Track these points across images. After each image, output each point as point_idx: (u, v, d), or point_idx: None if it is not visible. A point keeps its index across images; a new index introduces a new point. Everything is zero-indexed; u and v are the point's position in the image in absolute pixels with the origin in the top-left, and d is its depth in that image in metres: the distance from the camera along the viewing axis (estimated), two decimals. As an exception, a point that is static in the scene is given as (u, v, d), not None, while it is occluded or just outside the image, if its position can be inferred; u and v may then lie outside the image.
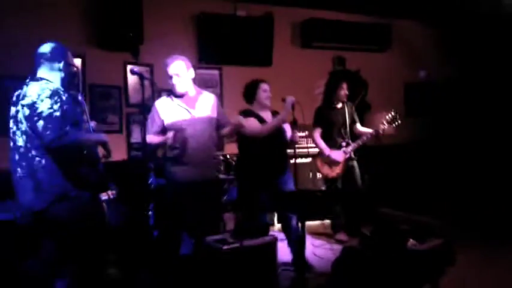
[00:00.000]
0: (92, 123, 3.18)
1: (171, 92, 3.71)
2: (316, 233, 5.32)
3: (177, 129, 3.54)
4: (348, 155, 4.99)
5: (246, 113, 4.04)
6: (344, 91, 5.08)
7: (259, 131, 3.97)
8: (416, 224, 3.70)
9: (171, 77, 3.62)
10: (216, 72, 6.08)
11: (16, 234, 3.55)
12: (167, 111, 3.64)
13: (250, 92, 4.16)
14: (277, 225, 5.19)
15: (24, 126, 2.81)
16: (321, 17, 6.51)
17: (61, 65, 2.98)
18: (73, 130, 2.85)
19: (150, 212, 3.87)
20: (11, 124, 2.90)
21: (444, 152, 6.94)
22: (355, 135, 5.12)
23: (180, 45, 5.57)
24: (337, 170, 4.97)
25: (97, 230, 3.04)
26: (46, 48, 2.97)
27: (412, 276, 3.12)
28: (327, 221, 5.49)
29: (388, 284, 3.00)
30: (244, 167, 4.13)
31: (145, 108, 3.91)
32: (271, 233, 3.53)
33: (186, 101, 3.67)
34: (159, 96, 4.45)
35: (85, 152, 2.95)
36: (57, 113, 2.75)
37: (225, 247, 3.19)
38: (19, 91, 2.90)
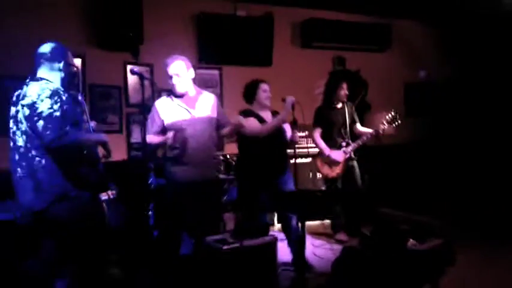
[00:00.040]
0: (92, 123, 3.18)
1: (171, 92, 3.71)
2: (316, 233, 5.32)
3: (177, 129, 3.54)
4: (348, 155, 4.99)
5: (246, 113, 4.04)
6: (344, 91, 5.08)
7: (259, 131, 3.97)
8: (416, 224, 3.69)
9: (171, 77, 3.62)
10: (216, 72, 6.08)
11: (16, 234, 3.55)
12: (167, 111, 3.63)
13: (250, 92, 4.16)
14: (277, 225, 5.19)
15: (24, 126, 2.81)
16: (321, 17, 6.51)
17: (61, 65, 2.98)
18: (73, 130, 2.85)
19: (150, 212, 3.87)
20: (11, 124, 2.90)
21: (444, 152, 6.94)
22: (355, 135, 5.12)
23: (180, 45, 5.57)
24: (337, 170, 4.97)
25: (97, 230, 3.04)
26: (46, 48, 2.97)
27: (412, 276, 3.12)
28: (327, 221, 5.49)
29: (388, 284, 3.00)
30: (244, 167, 4.13)
31: (145, 108, 3.91)
32: (271, 233, 3.53)
33: (186, 101, 3.66)
34: (159, 96, 4.45)
35: (85, 152, 2.95)
36: (57, 113, 2.75)
37: (225, 247, 3.19)
38: (19, 91, 2.90)
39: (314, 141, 5.11)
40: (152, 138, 3.62)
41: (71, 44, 3.27)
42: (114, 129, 5.37)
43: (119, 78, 5.47)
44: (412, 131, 6.78)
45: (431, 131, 7.09)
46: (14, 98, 2.91)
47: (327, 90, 5.20)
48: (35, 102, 2.75)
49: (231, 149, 4.88)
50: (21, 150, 2.83)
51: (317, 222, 5.60)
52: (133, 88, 5.49)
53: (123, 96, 5.51)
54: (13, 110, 2.89)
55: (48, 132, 2.71)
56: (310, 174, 5.76)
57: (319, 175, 5.47)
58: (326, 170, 5.04)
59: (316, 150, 5.19)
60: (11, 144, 2.90)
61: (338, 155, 4.95)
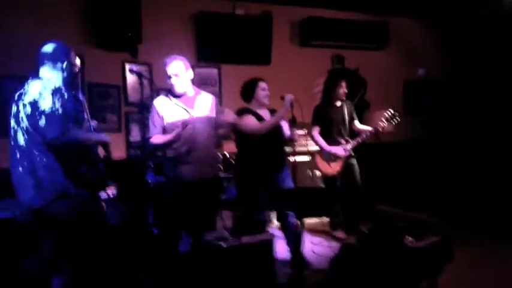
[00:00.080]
0: (93, 123, 3.19)
1: (169, 92, 3.72)
2: (315, 231, 5.33)
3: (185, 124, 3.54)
4: (347, 153, 5.00)
5: (244, 112, 4.05)
6: (343, 89, 5.09)
7: (257, 128, 3.98)
8: (414, 222, 3.72)
9: (169, 77, 3.63)
10: (214, 70, 6.08)
11: (15, 233, 3.57)
12: (166, 110, 3.65)
13: (248, 91, 4.16)
14: (276, 223, 5.21)
15: (25, 124, 2.83)
16: (320, 15, 6.52)
17: (64, 64, 2.99)
18: (75, 128, 2.87)
19: (149, 210, 3.88)
20: (12, 122, 2.91)
21: (443, 150, 6.95)
22: (354, 133, 5.13)
23: (179, 44, 5.59)
24: (336, 168, 4.98)
25: (96, 228, 3.05)
26: (49, 47, 2.99)
27: (410, 273, 3.14)
28: (325, 219, 5.50)
29: (385, 281, 3.01)
30: (243, 165, 4.14)
31: (144, 107, 3.93)
32: (270, 230, 3.55)
33: (185, 101, 3.68)
34: (158, 95, 4.47)
35: (86, 150, 2.98)
36: (59, 111, 2.77)
37: (223, 244, 3.21)
38: (21, 89, 2.92)
39: (313, 139, 5.13)
40: (158, 139, 3.63)
41: (70, 44, 3.25)
42: (113, 128, 5.37)
43: (118, 77, 5.48)
44: (411, 129, 6.79)
45: (430, 129, 7.10)
46: (16, 96, 2.92)
47: (325, 89, 5.21)
48: (37, 100, 2.77)
49: (230, 147, 4.89)
50: (22, 148, 2.85)
51: (315, 220, 5.61)
52: (132, 87, 5.49)
53: (121, 95, 5.52)
54: (14, 108, 2.91)
55: (50, 130, 2.73)
56: (309, 173, 5.77)
57: (318, 173, 5.48)
58: (325, 167, 5.05)
59: (316, 148, 5.20)
60: (12, 142, 2.91)
61: (339, 150, 4.96)
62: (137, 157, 5.09)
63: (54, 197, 2.83)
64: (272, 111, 4.18)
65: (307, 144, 5.53)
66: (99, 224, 3.09)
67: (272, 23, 6.19)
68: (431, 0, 6.38)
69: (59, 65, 2.98)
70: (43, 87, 2.81)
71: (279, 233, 4.18)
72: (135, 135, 5.46)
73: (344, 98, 5.14)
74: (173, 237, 3.66)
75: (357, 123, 5.19)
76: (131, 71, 3.51)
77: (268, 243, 3.40)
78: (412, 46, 7.22)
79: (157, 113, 3.65)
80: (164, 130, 3.63)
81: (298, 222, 3.38)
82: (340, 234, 5.07)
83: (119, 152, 5.16)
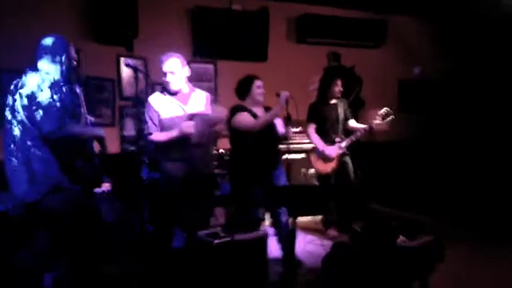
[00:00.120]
0: (90, 118, 3.17)
1: (164, 89, 3.71)
2: (307, 229, 5.33)
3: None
4: (341, 151, 5.01)
5: (239, 109, 4.04)
6: (338, 87, 5.09)
7: (252, 125, 3.97)
8: (407, 221, 3.73)
9: (165, 74, 3.62)
10: (210, 66, 6.06)
11: (8, 226, 3.55)
12: (161, 107, 3.64)
13: (244, 88, 4.15)
14: (270, 221, 5.21)
15: (21, 115, 2.81)
16: (317, 12, 6.50)
17: (62, 58, 2.98)
18: (72, 122, 2.86)
19: (144, 207, 3.87)
20: (7, 113, 2.89)
21: (437, 149, 6.97)
22: (348, 131, 5.14)
23: (175, 40, 5.57)
24: (331, 165, 4.98)
25: (90, 223, 3.04)
26: (48, 41, 2.99)
27: (402, 272, 3.15)
28: (318, 217, 5.51)
29: (378, 280, 3.02)
30: (237, 162, 4.14)
31: (138, 101, 3.91)
32: (263, 228, 3.55)
33: (179, 98, 3.68)
34: (153, 89, 4.45)
35: (81, 145, 2.97)
36: (57, 104, 2.76)
37: (216, 241, 3.21)
38: (17, 80, 2.91)
39: (308, 137, 5.13)
40: (160, 136, 3.61)
41: (66, 37, 3.25)
42: (107, 122, 5.34)
43: (113, 71, 5.46)
44: (406, 128, 6.79)
45: (424, 127, 7.11)
46: (12, 87, 2.91)
47: (321, 86, 5.21)
48: (34, 92, 2.76)
49: (225, 144, 4.88)
50: (17, 140, 2.83)
51: (308, 218, 5.62)
52: (127, 81, 5.47)
53: (116, 89, 5.49)
54: (10, 99, 2.89)
55: (46, 124, 2.72)
56: (303, 170, 5.77)
57: (312, 171, 5.48)
58: (320, 165, 5.05)
59: (310, 146, 5.20)
60: (6, 134, 2.89)
61: (332, 151, 4.96)
62: (131, 152, 5.06)
63: (48, 190, 2.83)
64: (267, 109, 4.17)
65: (301, 142, 5.52)
66: (93, 220, 3.08)
67: (269, 19, 6.16)
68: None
69: (57, 58, 2.97)
70: (41, 80, 2.81)
71: (272, 231, 4.19)
72: (129, 129, 5.44)
73: (339, 96, 5.14)
74: (166, 234, 3.65)
75: (352, 121, 5.19)
76: (127, 65, 3.48)
77: (262, 241, 3.41)
78: (409, 45, 7.22)
79: (154, 110, 3.64)
80: (161, 126, 3.62)
81: (292, 220, 3.38)
82: (333, 232, 5.08)
83: (112, 147, 5.11)
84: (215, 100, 5.32)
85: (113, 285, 3.51)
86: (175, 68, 3.60)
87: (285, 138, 4.07)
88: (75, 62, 3.12)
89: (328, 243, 4.39)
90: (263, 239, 3.43)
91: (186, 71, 3.68)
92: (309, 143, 5.22)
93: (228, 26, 5.92)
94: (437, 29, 7.30)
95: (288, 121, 3.98)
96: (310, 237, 5.03)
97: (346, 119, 5.18)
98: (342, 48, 6.79)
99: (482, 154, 6.85)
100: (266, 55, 6.18)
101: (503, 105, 6.93)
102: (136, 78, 3.75)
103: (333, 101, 5.13)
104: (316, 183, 5.24)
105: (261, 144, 4.03)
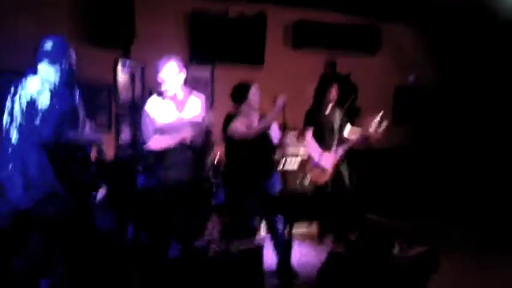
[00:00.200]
0: (89, 124, 3.16)
1: (160, 93, 3.71)
2: (303, 239, 5.31)
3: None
4: (337, 158, 5.01)
5: (234, 117, 4.03)
6: (333, 93, 5.09)
7: (247, 133, 3.97)
8: (402, 231, 3.74)
9: (161, 80, 3.61)
10: (207, 71, 6.05)
11: (1, 231, 3.52)
12: (157, 112, 3.63)
13: (240, 94, 4.14)
14: (264, 230, 5.20)
15: (19, 120, 2.80)
16: (313, 19, 6.52)
17: (62, 62, 2.96)
18: (70, 129, 2.85)
19: (138, 215, 3.86)
20: (5, 117, 2.87)
21: (432, 157, 6.98)
22: (344, 138, 5.14)
23: (172, 44, 5.56)
24: (327, 174, 4.98)
25: (84, 231, 3.03)
26: (48, 45, 2.97)
27: (397, 283, 3.16)
28: (314, 227, 5.50)
29: (372, 291, 3.03)
30: (232, 170, 4.13)
31: (135, 106, 3.89)
32: (258, 237, 3.55)
33: (176, 104, 3.67)
34: (150, 94, 4.44)
35: (79, 152, 2.95)
36: (56, 110, 2.75)
37: (212, 251, 3.20)
38: (17, 83, 2.89)
39: (306, 144, 5.12)
40: (156, 144, 3.59)
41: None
42: (103, 128, 5.30)
43: (109, 76, 5.43)
44: (401, 136, 6.81)
45: (419, 135, 7.13)
46: (12, 91, 2.88)
47: (316, 93, 5.21)
48: (34, 97, 2.75)
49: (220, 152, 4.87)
50: (14, 145, 2.82)
51: (303, 228, 5.61)
52: (124, 86, 5.44)
53: (112, 95, 5.46)
54: (9, 103, 2.87)
55: (45, 129, 2.71)
56: (299, 179, 5.75)
57: (307, 179, 5.46)
58: (316, 174, 5.05)
59: (306, 154, 5.19)
60: (3, 138, 2.87)
61: (327, 162, 4.94)
62: (127, 159, 5.03)
63: (43, 196, 2.80)
64: (262, 117, 4.17)
65: (297, 150, 5.52)
66: (87, 227, 3.07)
67: (266, 25, 6.17)
68: (424, 7, 6.40)
69: (57, 62, 2.95)
70: (41, 84, 2.80)
71: (267, 241, 4.17)
72: (126, 135, 5.42)
73: (334, 103, 5.15)
74: (162, 243, 3.64)
75: (347, 130, 5.20)
76: (124, 70, 3.47)
77: (257, 251, 3.41)
78: (404, 52, 7.25)
79: (149, 117, 3.63)
80: (156, 132, 3.62)
81: (288, 230, 3.38)
82: (328, 242, 5.07)
83: (107, 153, 5.11)
84: (211, 105, 5.31)
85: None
86: (171, 74, 3.58)
87: (280, 147, 4.07)
88: (74, 66, 3.10)
89: (323, 254, 4.38)
90: (259, 249, 3.43)
91: (181, 76, 3.66)
92: (304, 152, 5.21)
93: (225, 31, 5.93)
94: (431, 37, 7.33)
95: (284, 128, 3.97)
96: (305, 247, 5.02)
97: (342, 127, 5.18)
98: (338, 55, 6.80)
99: (478, 162, 6.87)
100: (263, 60, 6.17)
101: (498, 111, 6.96)
102: (132, 83, 3.73)
103: (329, 108, 5.13)
104: (312, 191, 5.22)
105: (256, 152, 4.03)
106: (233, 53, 6.01)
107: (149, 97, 3.82)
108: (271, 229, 4.12)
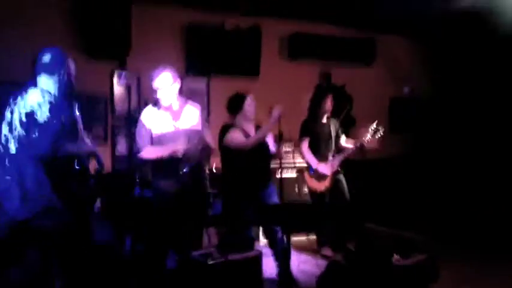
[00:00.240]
0: (88, 137, 3.14)
1: (156, 103, 3.71)
2: (302, 248, 5.29)
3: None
4: (334, 168, 5.01)
5: (230, 128, 4.04)
6: (329, 105, 5.11)
7: (244, 143, 3.97)
8: (401, 240, 3.73)
9: (156, 90, 3.62)
10: (203, 82, 6.07)
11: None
12: (153, 122, 3.64)
13: (236, 104, 4.14)
14: (262, 240, 5.18)
15: (18, 132, 2.78)
16: (308, 31, 6.57)
17: (61, 73, 2.96)
18: (69, 142, 2.83)
19: (135, 226, 3.83)
20: (4, 128, 2.85)
21: (428, 167, 7.00)
22: (340, 149, 5.15)
23: (168, 56, 5.55)
24: (325, 184, 4.98)
25: (82, 244, 3.00)
26: (46, 57, 2.96)
27: (396, 291, 3.14)
28: (312, 236, 5.48)
29: (372, 300, 3.01)
30: (228, 180, 4.11)
31: (131, 118, 3.89)
32: (256, 247, 3.53)
33: (171, 114, 3.68)
34: (146, 106, 4.44)
35: (77, 166, 2.94)
36: (55, 124, 2.74)
37: (210, 261, 3.18)
38: (17, 95, 2.87)
39: (302, 154, 5.13)
40: (149, 154, 3.59)
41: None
42: (99, 140, 5.28)
43: (105, 88, 5.43)
44: (396, 146, 6.84)
45: (415, 145, 7.16)
46: (11, 103, 2.87)
47: (312, 104, 5.23)
48: (33, 110, 2.74)
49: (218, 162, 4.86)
50: (13, 156, 2.80)
51: (302, 238, 5.59)
52: (120, 98, 5.44)
53: (108, 106, 5.46)
54: (8, 115, 2.85)
55: (43, 143, 2.70)
56: (297, 189, 5.76)
57: (305, 189, 5.46)
58: (314, 183, 5.04)
59: (303, 164, 5.20)
60: (2, 149, 2.85)
61: (325, 169, 4.97)
62: (124, 171, 5.01)
63: (40, 210, 2.78)
64: (257, 127, 4.17)
65: (294, 161, 5.52)
66: (85, 240, 3.04)
67: (261, 37, 6.21)
68: (418, 18, 6.46)
69: (56, 74, 2.94)
70: (41, 97, 2.79)
71: (266, 251, 4.15)
72: (122, 147, 5.40)
73: (330, 114, 5.17)
74: (159, 254, 3.61)
75: (343, 139, 5.22)
76: (119, 82, 3.47)
77: (256, 261, 3.39)
78: (398, 63, 7.31)
79: (145, 127, 3.63)
80: (153, 142, 3.61)
81: (286, 240, 3.36)
82: (327, 251, 5.05)
83: (104, 165, 5.10)
84: (207, 117, 5.31)
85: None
86: (166, 84, 3.60)
87: (276, 156, 4.07)
88: (73, 78, 3.09)
89: (322, 263, 4.36)
90: (257, 258, 3.41)
91: (176, 86, 3.67)
92: (302, 162, 5.22)
93: (221, 43, 5.96)
94: (426, 49, 7.40)
95: (280, 139, 3.98)
96: (304, 256, 4.99)
97: (338, 137, 5.20)
98: (333, 66, 6.85)
99: (474, 171, 6.89)
100: (258, 72, 6.21)
101: (493, 122, 7.00)
102: (128, 95, 3.74)
103: (324, 118, 5.15)
104: (310, 201, 5.22)
105: (252, 163, 4.02)
106: (229, 65, 6.05)
107: (145, 107, 3.83)
108: (270, 238, 4.11)
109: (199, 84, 6.03)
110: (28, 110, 2.75)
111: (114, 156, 5.45)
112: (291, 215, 3.83)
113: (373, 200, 6.08)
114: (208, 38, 5.91)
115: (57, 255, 2.88)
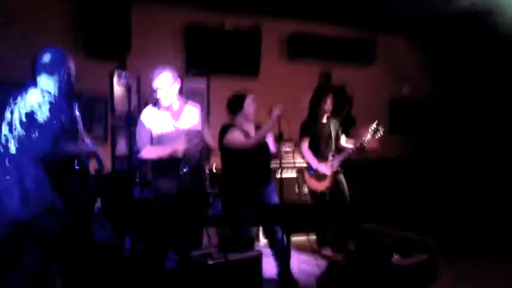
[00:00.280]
0: (88, 137, 3.14)
1: (156, 103, 3.71)
2: (302, 248, 5.29)
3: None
4: (334, 168, 5.01)
5: (230, 127, 4.04)
6: (329, 105, 5.11)
7: (244, 144, 3.97)
8: (401, 240, 3.73)
9: (155, 90, 3.62)
10: (203, 83, 6.07)
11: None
12: (153, 122, 3.64)
13: (236, 104, 4.14)
14: (262, 240, 5.18)
15: (17, 132, 2.78)
16: (308, 31, 6.57)
17: (61, 73, 2.95)
18: (69, 143, 2.83)
19: (135, 227, 3.83)
20: (4, 128, 2.85)
21: (428, 167, 7.00)
22: (340, 149, 5.15)
23: (168, 57, 5.58)
24: (325, 184, 4.98)
25: (82, 244, 3.00)
26: (46, 57, 2.95)
27: (396, 291, 3.14)
28: (312, 236, 5.48)
29: (372, 300, 3.01)
30: (228, 180, 4.12)
31: (131, 118, 3.89)
32: (256, 247, 3.53)
33: (171, 113, 3.68)
34: (146, 106, 4.44)
35: (77, 166, 2.93)
36: (55, 124, 2.74)
37: (210, 261, 3.18)
38: (17, 95, 2.87)
39: (302, 154, 5.13)
40: (149, 153, 3.59)
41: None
42: (99, 140, 5.28)
43: (105, 88, 5.44)
44: (396, 146, 6.84)
45: (415, 145, 7.16)
46: (11, 102, 2.87)
47: (312, 104, 5.23)
48: (34, 110, 2.74)
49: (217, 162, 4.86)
50: (12, 156, 2.80)
51: (303, 238, 5.58)
52: (119, 98, 5.44)
53: (108, 106, 5.47)
54: (8, 114, 2.85)
55: (43, 143, 2.69)
56: (296, 189, 5.75)
57: (305, 189, 5.46)
58: (314, 183, 5.05)
59: (303, 164, 5.20)
60: (1, 149, 2.85)
61: (325, 169, 4.97)
62: (124, 171, 5.01)
63: (41, 210, 2.78)
64: (257, 127, 4.17)
65: (294, 161, 5.51)
66: (85, 240, 3.04)
67: (261, 37, 6.22)
68: (418, 19, 6.47)
69: (55, 74, 2.93)
70: (41, 98, 2.79)
71: (266, 251, 4.15)
72: (122, 147, 5.40)
73: (329, 114, 5.17)
74: (160, 254, 3.61)
75: (343, 139, 5.22)
76: (119, 82, 3.47)
77: (256, 261, 3.38)
78: (398, 64, 7.31)
79: (145, 127, 3.63)
80: (153, 142, 3.61)
81: (286, 240, 3.36)
82: (327, 252, 5.05)
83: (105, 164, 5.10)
84: (207, 117, 5.31)
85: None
86: (165, 84, 3.60)
87: (276, 156, 4.07)
88: (73, 78, 3.09)
89: (322, 263, 4.36)
90: (257, 258, 3.41)
91: (176, 86, 3.67)
92: (302, 162, 5.21)
93: (221, 43, 5.97)
94: (426, 49, 7.40)
95: (280, 139, 3.97)
96: (304, 256, 4.99)
97: (338, 137, 5.20)
98: (333, 66, 6.85)
99: (474, 171, 6.89)
100: (258, 72, 6.21)
101: (493, 122, 7.00)
102: (129, 95, 3.73)
103: (325, 119, 5.15)
104: (310, 201, 5.22)
105: (252, 163, 4.02)
106: (229, 65, 6.05)
107: (145, 108, 3.83)
108: (270, 237, 4.11)
109: (199, 84, 6.04)
110: (28, 110, 2.75)
111: (114, 156, 5.47)
112: (291, 215, 3.83)
113: (373, 200, 6.08)
114: (208, 38, 5.91)
115: (57, 255, 2.88)
